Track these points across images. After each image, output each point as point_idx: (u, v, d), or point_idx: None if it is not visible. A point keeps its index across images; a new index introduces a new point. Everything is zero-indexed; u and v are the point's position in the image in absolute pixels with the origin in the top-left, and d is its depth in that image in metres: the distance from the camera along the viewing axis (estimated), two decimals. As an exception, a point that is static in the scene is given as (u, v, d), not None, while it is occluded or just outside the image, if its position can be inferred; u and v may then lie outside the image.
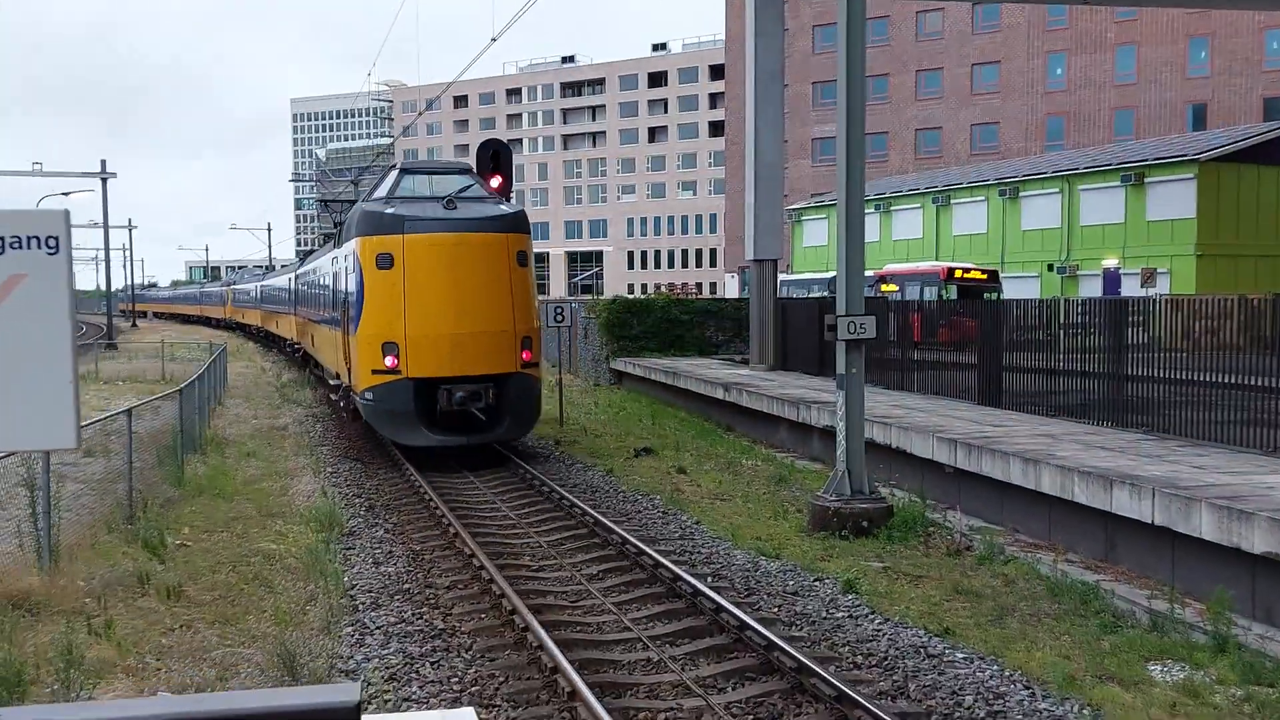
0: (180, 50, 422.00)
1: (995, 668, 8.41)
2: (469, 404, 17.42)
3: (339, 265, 21.09)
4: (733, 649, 8.94)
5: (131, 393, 30.36)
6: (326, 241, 28.28)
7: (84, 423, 16.01)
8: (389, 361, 17.41)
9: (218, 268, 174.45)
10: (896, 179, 59.80)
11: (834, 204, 57.80)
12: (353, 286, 18.49)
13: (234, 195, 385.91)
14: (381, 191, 19.16)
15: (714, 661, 8.71)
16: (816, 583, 11.01)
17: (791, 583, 11.03)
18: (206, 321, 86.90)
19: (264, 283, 54.07)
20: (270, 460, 19.06)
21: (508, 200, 19.46)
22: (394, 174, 19.53)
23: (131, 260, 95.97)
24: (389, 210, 17.83)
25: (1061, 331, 17.20)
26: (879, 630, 9.40)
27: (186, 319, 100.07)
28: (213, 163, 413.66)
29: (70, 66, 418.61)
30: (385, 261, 17.47)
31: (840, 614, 9.93)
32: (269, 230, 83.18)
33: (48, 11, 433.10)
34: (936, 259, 45.47)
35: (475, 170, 20.10)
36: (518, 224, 18.33)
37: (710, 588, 10.36)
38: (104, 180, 58.06)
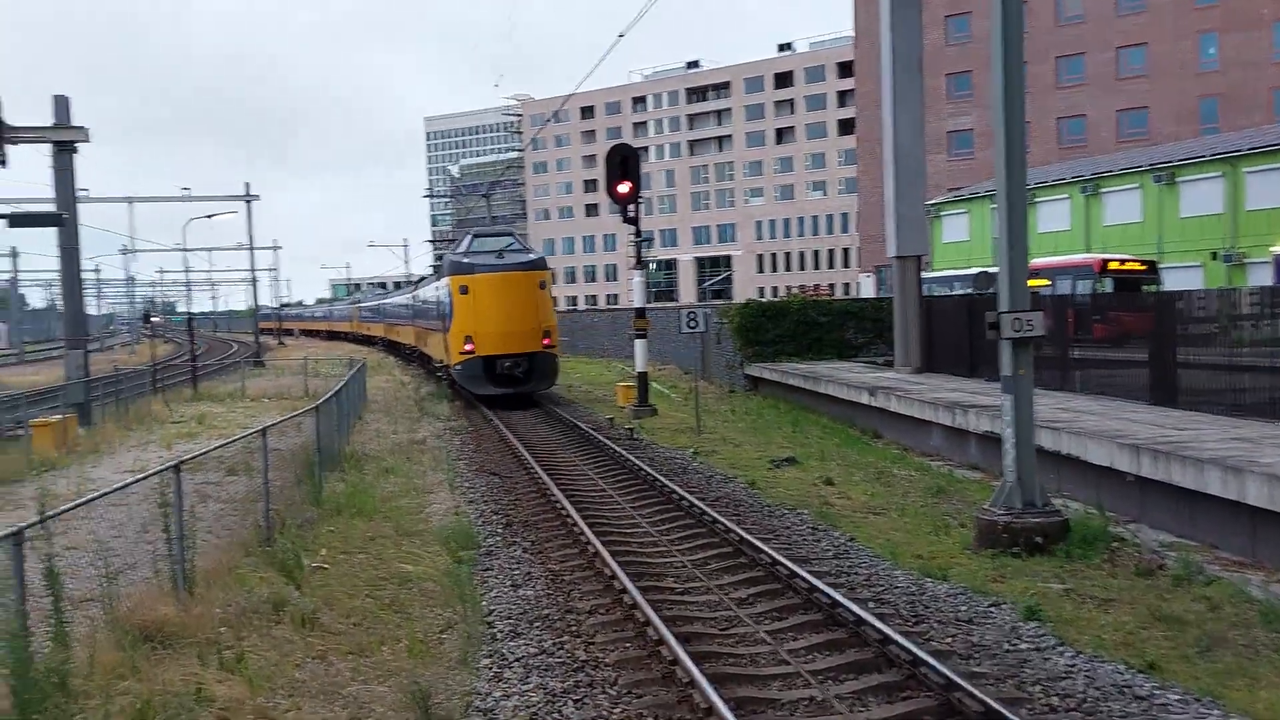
0: (328, 71, 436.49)
1: (1218, 712, 7.29)
2: (512, 369, 30.02)
3: (439, 293, 33.94)
4: (905, 686, 8.02)
5: (276, 409, 30.87)
6: (430, 274, 42.34)
7: (223, 441, 15.98)
8: (468, 347, 29.97)
9: (358, 284, 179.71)
10: (1039, 170, 57.28)
11: (973, 198, 55.76)
12: (447, 305, 31.38)
13: (375, 212, 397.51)
14: (461, 248, 32.11)
15: (886, 701, 7.81)
16: (992, 608, 9.96)
17: (964, 608, 10.01)
18: (337, 336, 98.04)
19: (385, 301, 67.54)
20: (408, 476, 18.83)
21: (635, 204, 26.09)
22: (468, 238, 32.66)
23: (277, 279, 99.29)
24: (465, 260, 30.75)
25: (1247, 323, 15.63)
26: (1072, 665, 8.33)
27: (319, 334, 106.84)
28: (356, 181, 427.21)
29: (218, 89, 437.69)
30: (464, 290, 30.17)
31: (1024, 646, 8.88)
32: (405, 246, 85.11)
33: (197, 37, 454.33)
34: (1088, 251, 43.15)
35: (607, 174, 26.27)
36: (539, 265, 31.11)
37: (873, 614, 9.45)
38: (248, 203, 59.93)
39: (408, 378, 44.66)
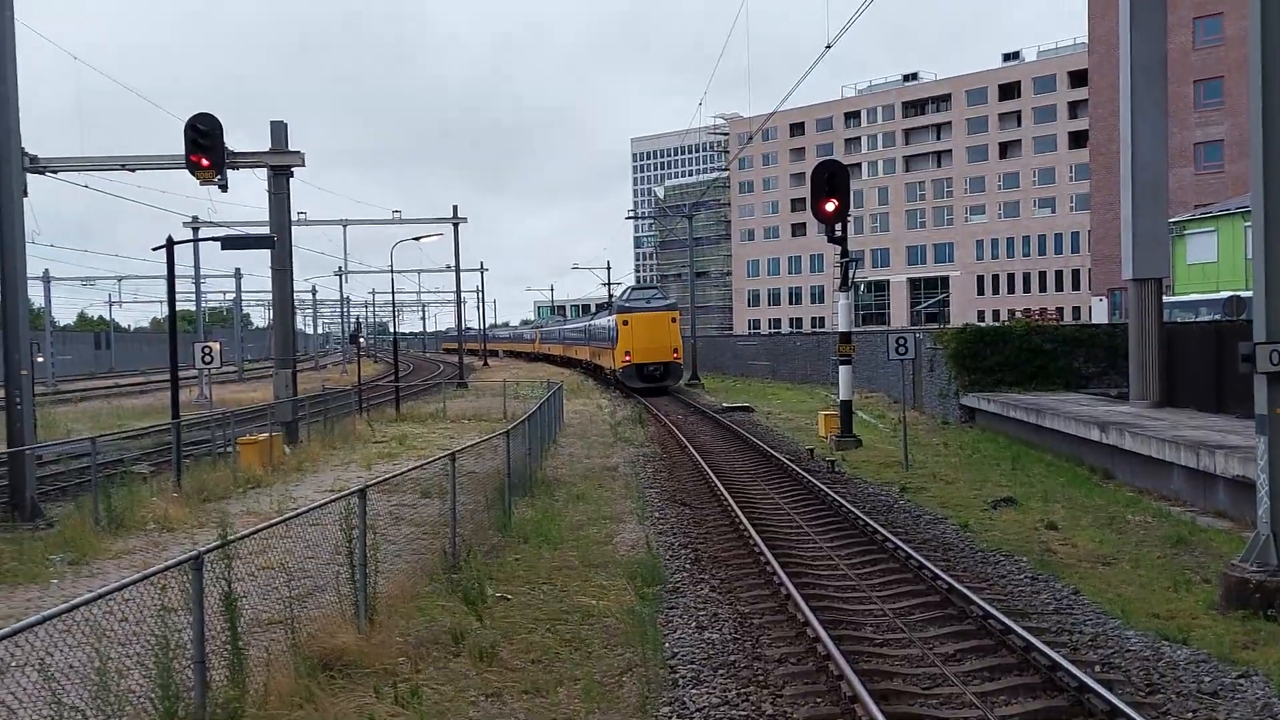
0: (553, 97, 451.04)
1: None
2: (653, 371, 49.23)
3: (609, 323, 54.92)
4: (1135, 769, 7.26)
5: (475, 430, 31.80)
6: (600, 309, 67.27)
7: (413, 464, 16.36)
8: (627, 357, 49.44)
9: (562, 306, 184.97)
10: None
11: (1224, 215, 52.08)
12: (615, 332, 51.45)
13: (582, 235, 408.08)
14: (624, 297, 53.34)
15: (1111, 786, 7.08)
16: (1241, 680, 8.99)
17: (1207, 679, 9.06)
18: (520, 355, 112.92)
19: (564, 328, 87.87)
20: (598, 504, 18.89)
21: (842, 223, 26.77)
22: (628, 290, 54.74)
23: (483, 301, 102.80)
24: (626, 304, 51.16)
25: None
26: (1341, 757, 7.37)
27: (519, 355, 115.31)
28: (567, 204, 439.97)
29: (444, 116, 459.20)
30: (625, 323, 49.88)
31: (1281, 729, 7.94)
32: (608, 269, 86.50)
33: (441, 62, 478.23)
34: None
35: (812, 192, 26.67)
36: (672, 307, 51.21)
37: (1099, 680, 8.66)
38: (455, 225, 62.32)
39: (605, 401, 45.41)
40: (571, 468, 23.88)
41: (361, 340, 79.23)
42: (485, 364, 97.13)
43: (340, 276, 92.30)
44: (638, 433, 31.78)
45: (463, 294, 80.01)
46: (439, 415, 38.08)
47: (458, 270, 68.02)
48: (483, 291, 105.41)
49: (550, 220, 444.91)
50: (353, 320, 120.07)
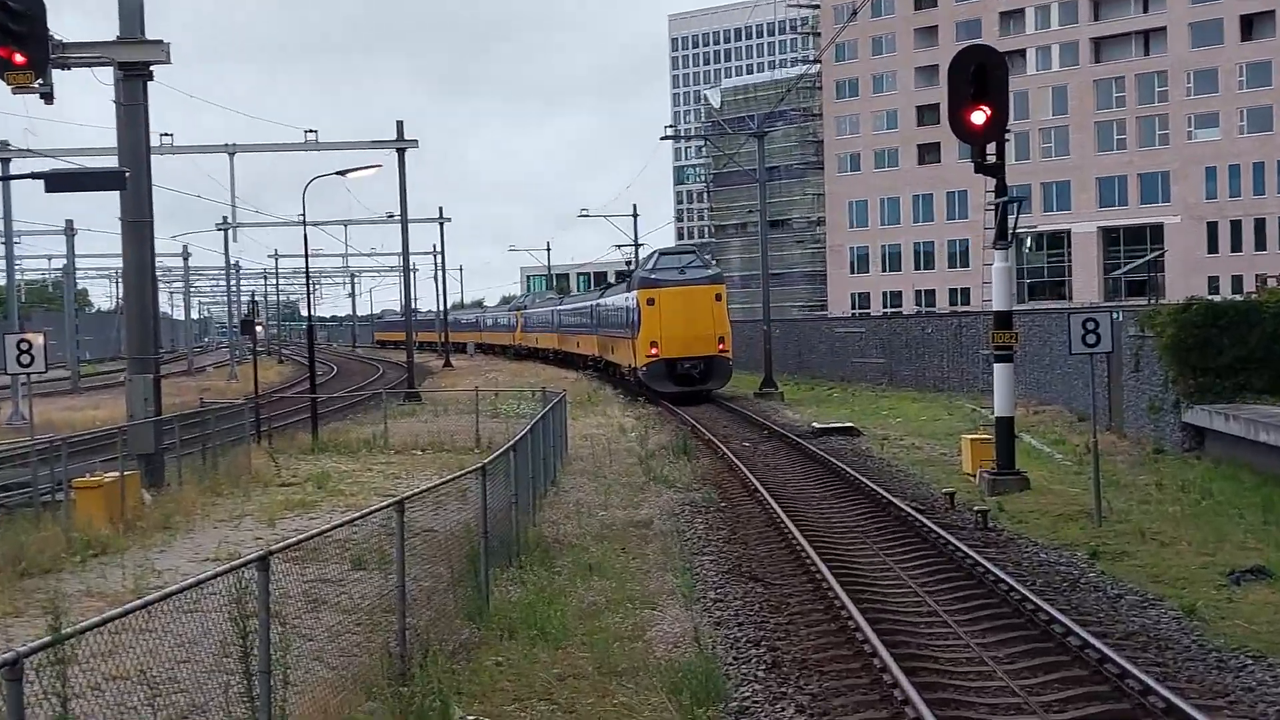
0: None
1: None
2: (690, 370, 54.52)
3: (627, 303, 58.65)
4: None
5: (433, 466, 31.99)
6: (616, 282, 73.49)
7: (345, 520, 16.44)
8: (653, 351, 54.36)
9: (564, 276, 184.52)
10: None
11: None
12: (635, 315, 56.48)
13: (595, 166, 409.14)
14: (648, 265, 59.74)
15: None
16: None
17: None
18: (499, 350, 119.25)
19: (558, 308, 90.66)
20: (621, 577, 18.97)
21: (999, 142, 27.05)
22: (655, 256, 60.77)
23: (442, 267, 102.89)
24: (652, 276, 57.01)
25: None
26: None
27: (496, 350, 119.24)
28: (573, 118, 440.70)
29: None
30: (650, 302, 54.97)
31: None
32: (634, 220, 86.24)
33: None
34: None
35: (950, 96, 26.74)
36: (716, 279, 57.78)
37: None
38: (400, 153, 62.27)
39: (629, 419, 45.51)
40: (581, 522, 23.91)
41: (260, 328, 79.57)
42: (447, 364, 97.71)
43: (225, 232, 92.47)
44: (681, 469, 31.81)
45: (411, 257, 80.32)
46: (377, 443, 38.27)
47: (404, 221, 68.19)
48: (442, 253, 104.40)
49: (547, 144, 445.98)
50: (246, 299, 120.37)
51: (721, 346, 54.04)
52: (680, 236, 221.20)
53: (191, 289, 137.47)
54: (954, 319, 62.30)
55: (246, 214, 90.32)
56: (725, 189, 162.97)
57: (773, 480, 28.95)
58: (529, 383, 56.88)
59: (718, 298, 54.59)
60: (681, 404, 50.27)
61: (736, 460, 32.36)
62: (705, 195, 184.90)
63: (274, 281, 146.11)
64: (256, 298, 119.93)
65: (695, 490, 28.34)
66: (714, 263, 70.12)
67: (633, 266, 74.99)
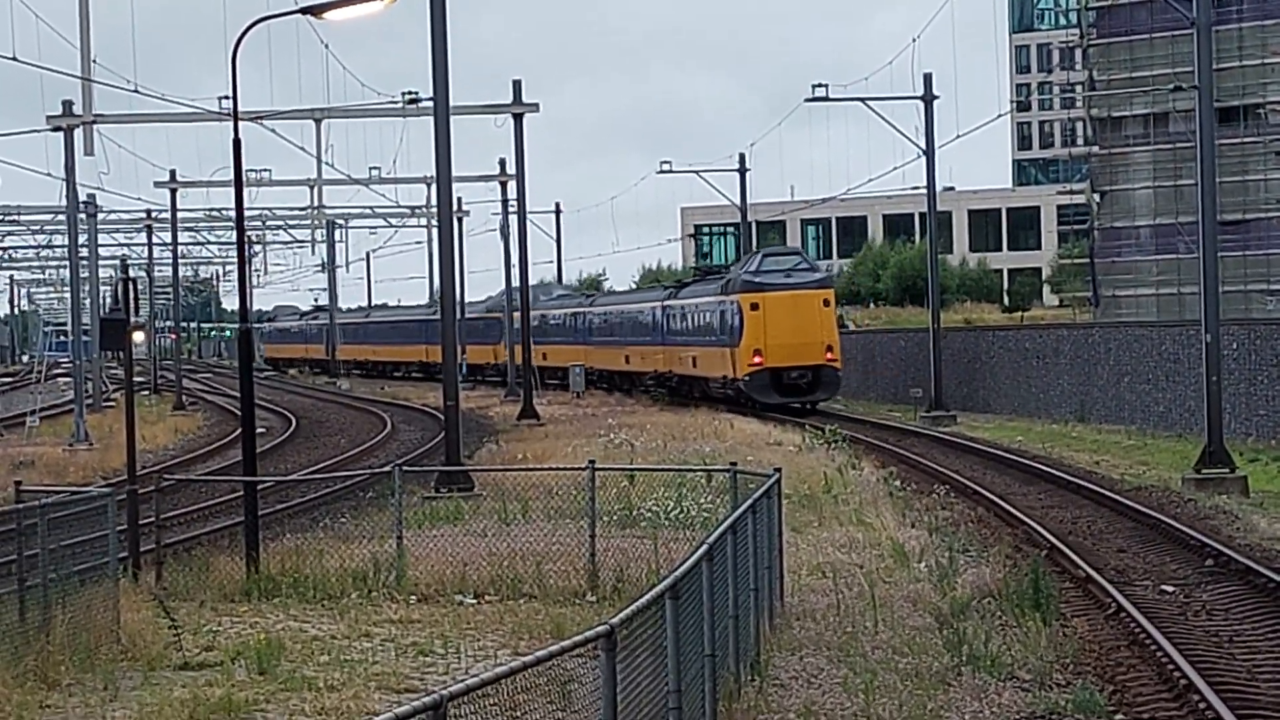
0: None
1: None
2: (798, 380, 60.37)
3: (722, 308, 62.88)
4: None
5: (499, 630, 19.90)
6: (689, 282, 75.15)
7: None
8: (756, 360, 59.79)
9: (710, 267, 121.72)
10: None
11: None
12: (736, 320, 61.50)
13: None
14: (750, 267, 64.28)
15: None
16: None
17: None
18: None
19: (591, 310, 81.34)
20: None
21: None
22: (758, 256, 66.74)
23: (522, 224, 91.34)
24: (756, 279, 62.30)
25: None
26: None
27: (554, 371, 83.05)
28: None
29: None
30: (754, 307, 60.30)
31: None
32: (742, 172, 66.03)
33: None
34: None
35: None
36: (825, 284, 64.66)
37: None
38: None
39: (916, 531, 26.63)
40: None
41: (139, 334, 47.26)
42: (528, 411, 60.35)
43: (67, 134, 48.79)
44: (1035, 647, 17.30)
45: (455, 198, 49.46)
46: (382, 577, 21.40)
47: (522, 194, 60.51)
48: (522, 197, 64.84)
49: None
50: (111, 275, 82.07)
51: (830, 355, 56.34)
52: (1022, 142, 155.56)
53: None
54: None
55: (115, 97, 58.40)
56: (1117, 41, 75.91)
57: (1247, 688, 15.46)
58: (695, 451, 39.73)
59: (826, 303, 57.28)
60: (782, 414, 55.12)
61: (1150, 626, 18.05)
62: (1075, 56, 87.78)
63: (169, 238, 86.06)
64: (132, 269, 76.95)
65: (1062, 689, 15.26)
66: (822, 267, 71.99)
67: (720, 270, 72.91)
